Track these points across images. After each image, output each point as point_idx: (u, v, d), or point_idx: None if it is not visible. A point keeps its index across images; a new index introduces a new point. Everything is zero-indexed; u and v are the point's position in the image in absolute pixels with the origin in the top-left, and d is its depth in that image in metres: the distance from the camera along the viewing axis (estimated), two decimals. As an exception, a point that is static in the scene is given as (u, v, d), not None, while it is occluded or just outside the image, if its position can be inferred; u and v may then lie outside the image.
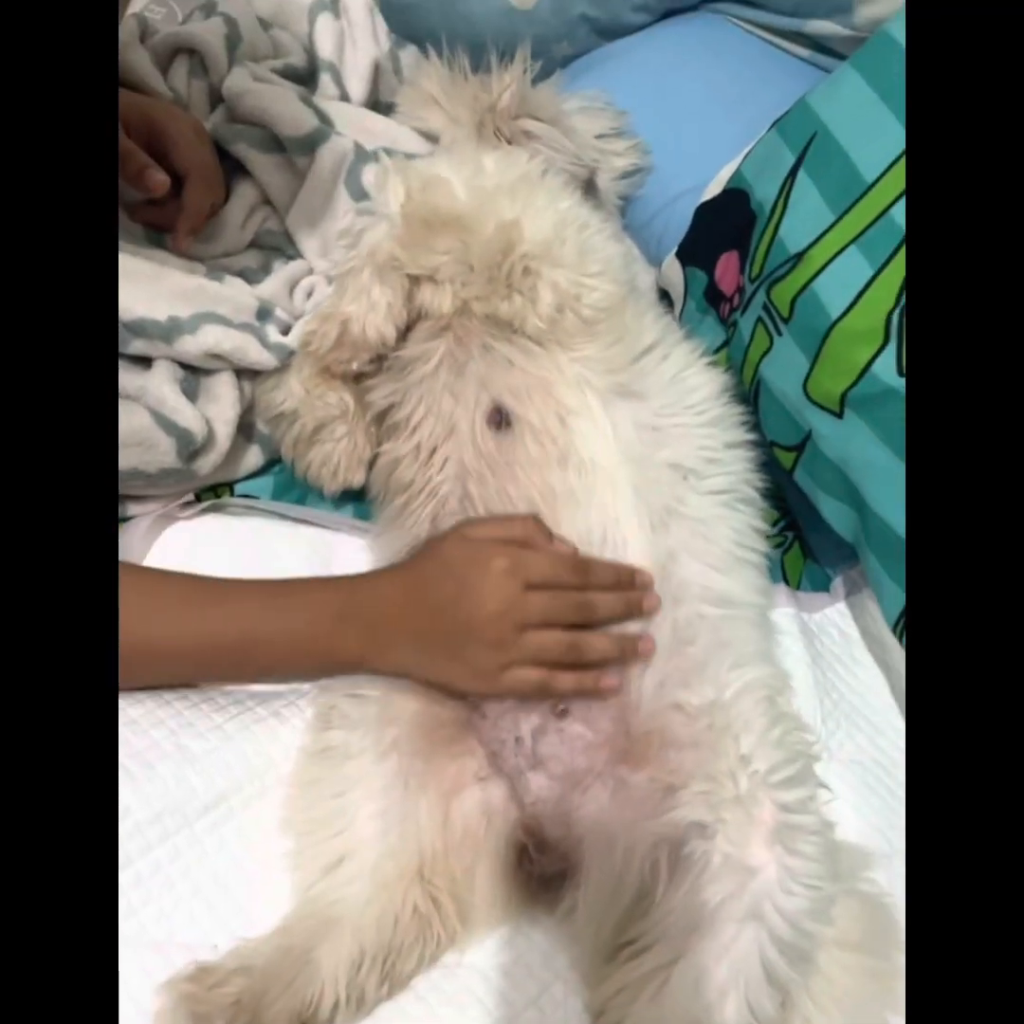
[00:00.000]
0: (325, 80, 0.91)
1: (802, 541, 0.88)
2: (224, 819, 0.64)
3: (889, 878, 0.69)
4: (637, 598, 0.66)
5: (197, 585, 0.65)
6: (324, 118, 0.83)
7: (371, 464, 0.81)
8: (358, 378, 0.77)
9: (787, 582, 0.85)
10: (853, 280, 0.71)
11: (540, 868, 0.65)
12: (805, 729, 0.67)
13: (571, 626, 0.65)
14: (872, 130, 0.72)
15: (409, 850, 0.64)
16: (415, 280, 0.72)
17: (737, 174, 0.87)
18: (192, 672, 0.67)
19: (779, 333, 0.77)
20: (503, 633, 0.63)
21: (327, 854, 0.63)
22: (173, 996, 0.56)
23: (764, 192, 0.81)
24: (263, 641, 0.64)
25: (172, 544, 0.76)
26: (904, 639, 0.74)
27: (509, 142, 0.88)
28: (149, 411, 0.71)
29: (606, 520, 0.68)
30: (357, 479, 0.81)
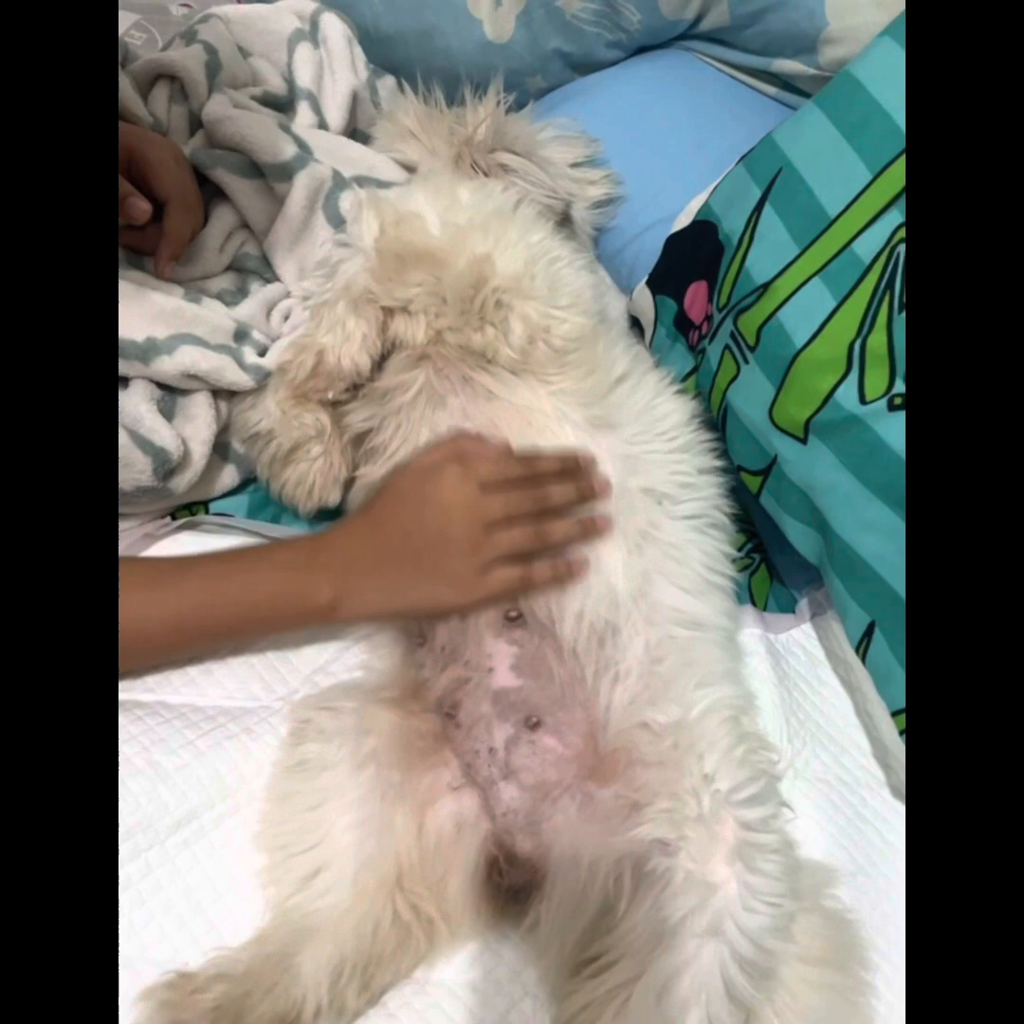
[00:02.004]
0: (303, 108, 0.92)
1: (768, 563, 0.90)
2: (196, 836, 0.64)
3: (853, 895, 0.70)
4: (586, 482, 0.69)
5: (156, 563, 0.66)
6: (302, 145, 0.85)
7: (347, 485, 0.82)
8: (335, 403, 0.78)
9: (754, 603, 0.86)
10: (816, 311, 0.73)
11: (510, 881, 0.65)
12: (769, 748, 0.68)
13: (531, 518, 0.67)
14: (835, 167, 0.75)
15: (387, 860, 0.64)
16: (389, 312, 0.74)
17: (706, 206, 0.89)
18: (164, 648, 0.68)
19: (746, 361, 0.79)
20: (474, 536, 0.65)
21: (304, 866, 0.64)
22: (152, 1003, 0.56)
23: (732, 224, 0.83)
24: (232, 603, 0.65)
25: (146, 562, 0.76)
26: (867, 659, 0.75)
27: (486, 174, 0.90)
28: (125, 430, 0.72)
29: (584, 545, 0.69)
30: (333, 499, 0.82)
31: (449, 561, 0.66)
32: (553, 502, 0.68)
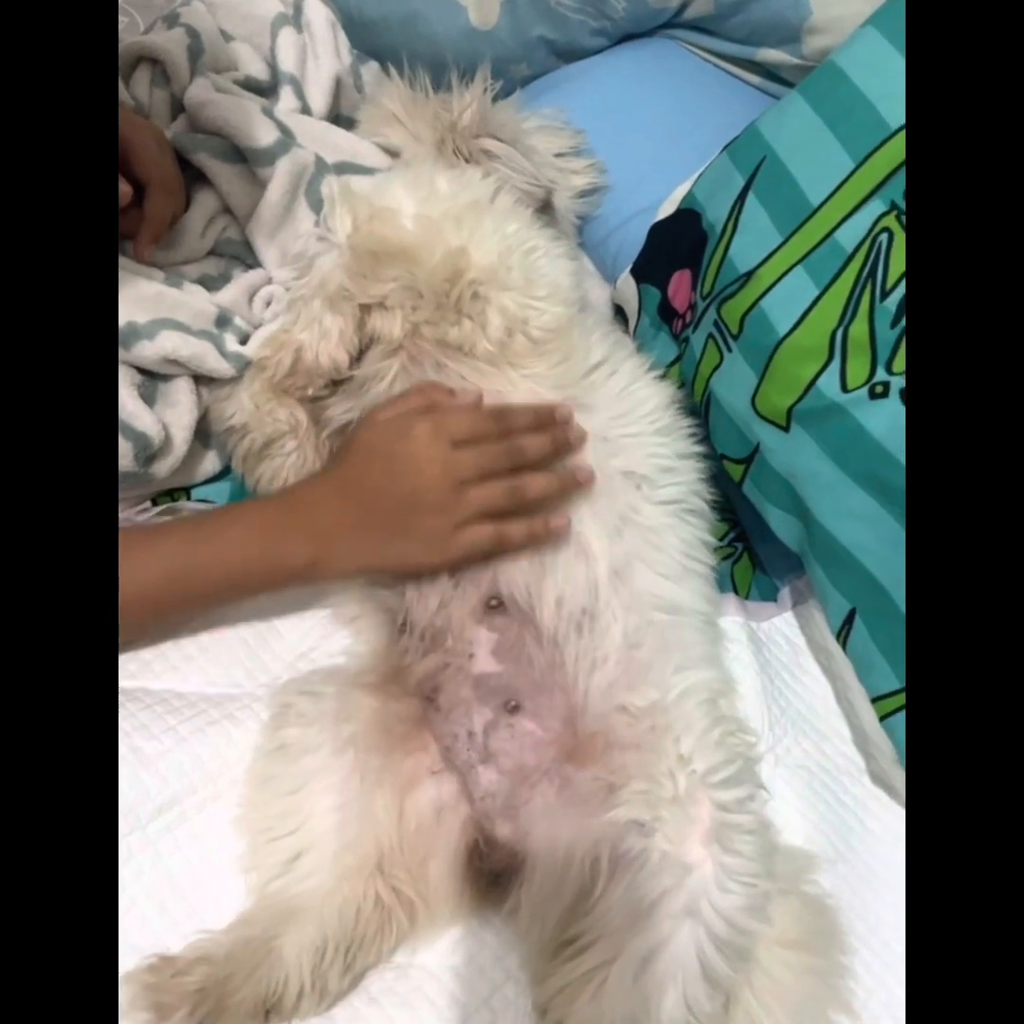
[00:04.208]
0: (286, 93, 0.91)
1: (750, 552, 0.90)
2: (177, 822, 0.64)
3: (833, 880, 0.71)
4: (562, 433, 0.68)
5: (129, 534, 0.65)
6: (285, 131, 0.84)
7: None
8: (315, 398, 0.78)
9: (736, 591, 0.87)
10: (799, 299, 0.73)
11: (490, 864, 0.65)
12: (746, 731, 0.68)
13: (506, 474, 0.66)
14: (818, 156, 0.75)
15: (367, 844, 0.64)
16: (366, 307, 0.73)
17: (690, 195, 0.89)
18: (141, 618, 0.67)
19: (729, 349, 0.79)
20: (445, 494, 0.64)
21: (285, 850, 0.63)
22: (134, 987, 0.56)
23: (715, 213, 0.84)
24: (205, 565, 0.64)
25: (127, 548, 0.76)
26: (847, 646, 0.76)
27: (468, 160, 0.89)
28: (106, 415, 0.71)
29: None
30: None
31: (421, 520, 0.65)
32: (528, 456, 0.67)
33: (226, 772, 0.66)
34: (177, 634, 0.72)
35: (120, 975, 0.57)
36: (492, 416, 0.68)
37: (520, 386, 0.72)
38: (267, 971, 0.59)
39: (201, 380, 0.78)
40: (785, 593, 0.89)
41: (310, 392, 0.76)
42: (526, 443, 0.67)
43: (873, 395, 0.70)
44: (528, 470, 0.67)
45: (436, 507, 0.64)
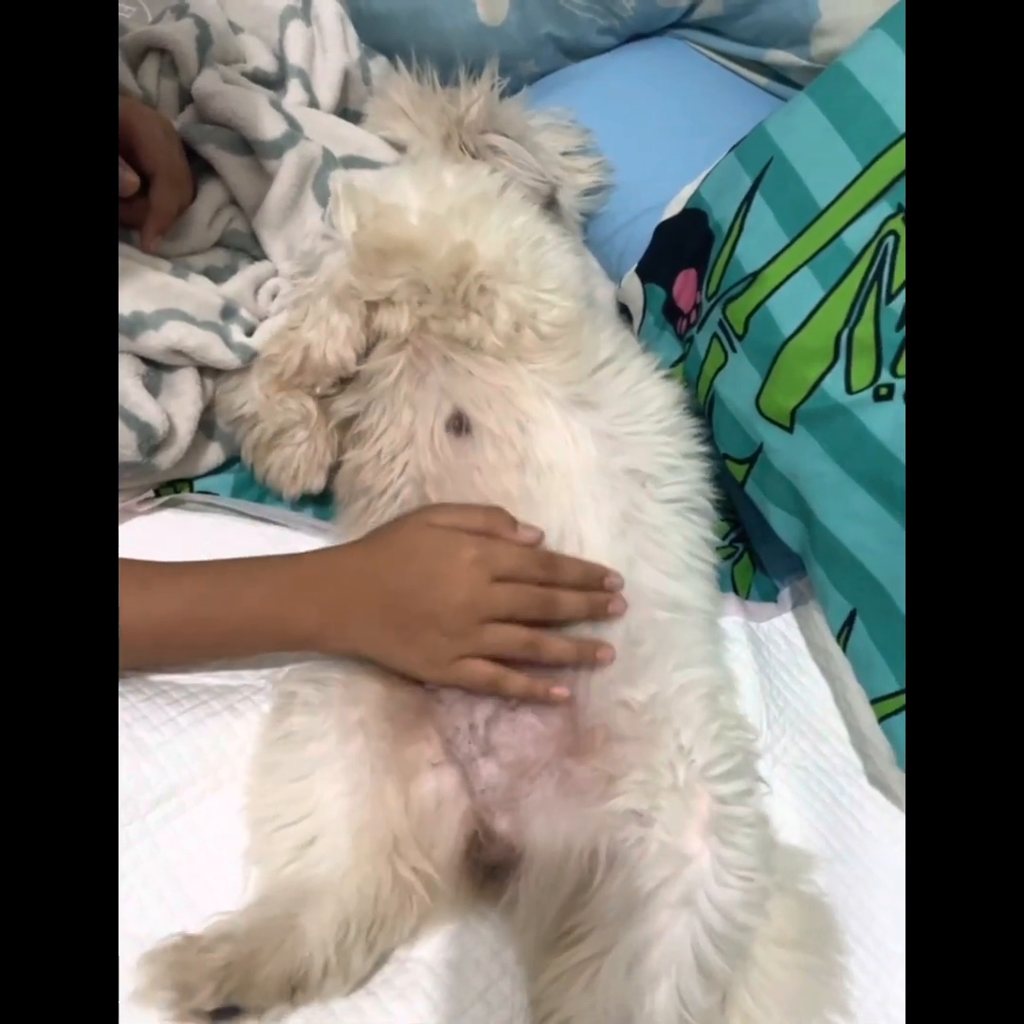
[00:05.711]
0: (294, 86, 0.91)
1: (751, 552, 0.91)
2: (176, 813, 0.64)
3: (829, 880, 0.71)
4: (603, 599, 0.67)
5: (147, 567, 0.64)
6: (293, 123, 0.84)
7: (333, 469, 0.81)
8: (321, 394, 0.78)
9: (736, 591, 0.87)
10: (805, 300, 0.74)
11: (488, 857, 0.65)
12: (745, 727, 0.68)
13: (532, 622, 0.65)
14: (826, 157, 0.75)
15: (381, 828, 0.63)
16: (373, 304, 0.74)
17: (696, 195, 0.89)
18: (144, 653, 0.66)
19: (733, 349, 0.79)
20: (466, 624, 0.63)
21: (296, 836, 0.63)
22: (158, 966, 0.56)
23: (722, 213, 0.84)
24: (214, 618, 0.64)
25: (129, 538, 0.75)
26: (847, 647, 0.76)
27: (474, 156, 0.89)
28: (110, 405, 0.71)
29: (564, 523, 0.69)
30: (316, 484, 0.81)
31: (432, 638, 0.64)
32: (561, 611, 0.66)
33: (225, 764, 0.66)
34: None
35: (138, 956, 0.56)
36: (541, 562, 0.66)
37: (528, 381, 0.72)
38: (291, 948, 0.58)
39: (206, 371, 0.78)
40: (785, 594, 0.89)
41: (318, 390, 0.77)
42: (563, 599, 0.65)
43: (877, 397, 0.70)
44: (555, 624, 0.66)
45: (451, 632, 0.63)
